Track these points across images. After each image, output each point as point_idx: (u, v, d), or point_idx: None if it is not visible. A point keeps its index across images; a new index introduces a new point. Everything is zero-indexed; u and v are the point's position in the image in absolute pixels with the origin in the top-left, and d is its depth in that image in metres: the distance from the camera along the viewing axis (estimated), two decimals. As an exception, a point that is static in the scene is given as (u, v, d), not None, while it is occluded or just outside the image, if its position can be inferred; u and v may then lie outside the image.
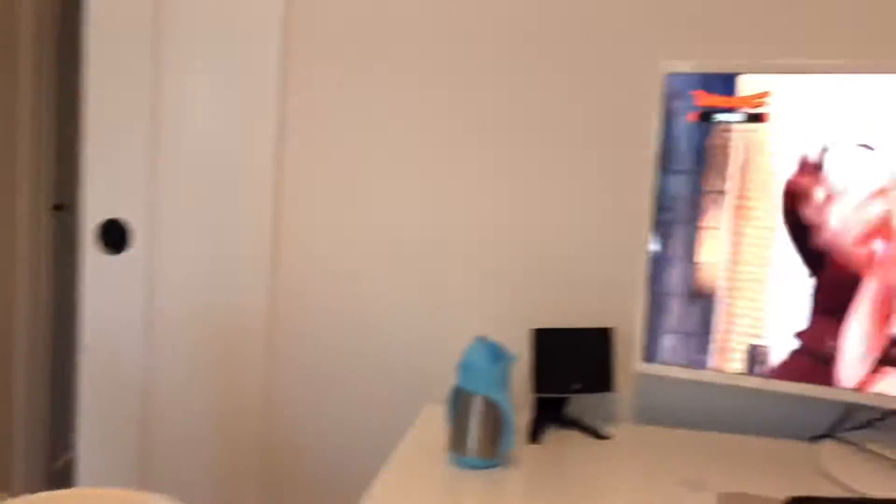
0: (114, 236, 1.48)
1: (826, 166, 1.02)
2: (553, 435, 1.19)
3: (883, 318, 1.01)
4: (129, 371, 1.48)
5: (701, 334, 1.11)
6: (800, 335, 1.06)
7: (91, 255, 1.49)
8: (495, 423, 1.06)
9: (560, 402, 1.22)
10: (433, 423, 1.21)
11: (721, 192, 1.07)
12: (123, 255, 1.48)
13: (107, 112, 1.45)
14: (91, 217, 1.49)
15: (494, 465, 1.06)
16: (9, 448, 2.10)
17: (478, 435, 1.05)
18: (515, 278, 1.30)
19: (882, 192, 0.99)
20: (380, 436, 1.36)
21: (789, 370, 1.07)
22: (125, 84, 1.43)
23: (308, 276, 1.39)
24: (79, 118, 2.25)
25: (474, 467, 1.06)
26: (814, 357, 1.06)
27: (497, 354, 1.06)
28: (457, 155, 1.31)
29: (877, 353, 1.02)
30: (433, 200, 1.32)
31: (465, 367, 1.06)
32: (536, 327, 1.19)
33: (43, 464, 2.22)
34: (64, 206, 2.22)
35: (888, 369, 1.02)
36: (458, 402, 1.07)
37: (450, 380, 1.29)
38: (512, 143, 1.28)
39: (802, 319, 1.05)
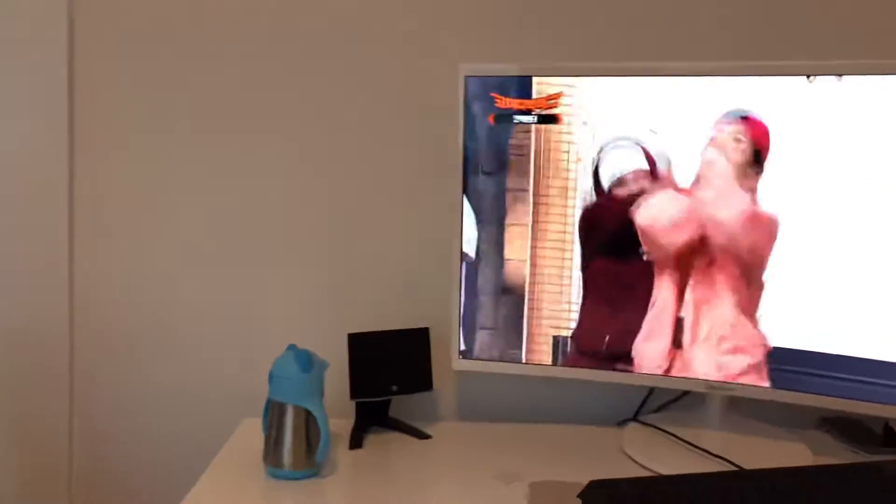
0: None
1: (607, 163, 1.08)
2: (375, 439, 1.18)
3: (674, 303, 1.10)
4: None
5: (511, 329, 1.15)
6: (593, 325, 1.12)
7: None
8: (312, 431, 1.03)
9: (383, 406, 1.22)
10: (250, 436, 1.16)
11: (524, 191, 1.11)
12: None
13: None
14: None
15: (312, 475, 1.04)
16: None
17: (293, 445, 1.03)
18: (331, 283, 1.29)
19: (658, 185, 1.07)
20: (196, 452, 1.29)
21: (589, 358, 1.13)
22: None
23: (109, 288, 1.30)
24: None
25: (291, 478, 1.03)
26: (610, 344, 1.12)
27: (308, 362, 1.03)
28: (259, 154, 1.27)
29: (668, 337, 1.11)
30: (237, 204, 1.28)
31: (275, 377, 1.03)
32: (352, 332, 1.18)
33: None
34: None
35: (678, 351, 1.10)
36: (272, 414, 1.04)
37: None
38: (321, 143, 1.26)
39: (594, 310, 1.11)
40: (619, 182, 1.08)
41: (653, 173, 1.07)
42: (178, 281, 1.30)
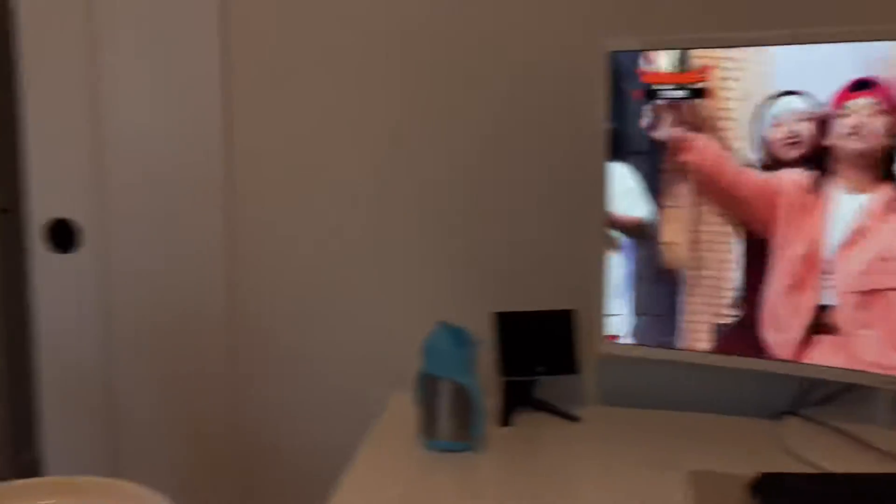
0: (63, 236, 1.44)
1: (765, 137, 1.03)
2: (522, 418, 1.18)
3: (808, 285, 1.03)
4: (89, 368, 1.44)
5: (664, 314, 1.12)
6: (742, 309, 1.07)
7: (40, 256, 1.44)
8: (464, 406, 1.05)
9: (527, 386, 1.22)
10: (401, 411, 1.19)
11: (681, 170, 1.08)
12: (74, 255, 1.43)
13: (47, 113, 1.40)
14: (37, 217, 1.44)
15: (467, 449, 1.06)
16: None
17: (447, 419, 1.04)
18: (476, 262, 1.29)
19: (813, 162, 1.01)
20: (348, 426, 1.34)
21: (736, 345, 1.09)
22: (63, 84, 1.38)
23: (264, 268, 1.36)
24: (16, 122, 2.18)
25: (446, 450, 1.05)
26: (752, 330, 1.07)
27: (461, 338, 1.05)
28: (411, 141, 1.29)
29: (805, 322, 1.04)
30: (385, 181, 1.31)
31: (429, 351, 1.05)
32: (497, 311, 1.18)
33: (4, 463, 2.15)
34: (7, 210, 2.15)
35: (820, 338, 1.04)
36: (425, 387, 1.06)
37: (416, 367, 1.27)
38: (465, 127, 1.27)
39: (746, 293, 1.07)
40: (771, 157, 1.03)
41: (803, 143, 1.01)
42: (328, 261, 1.34)
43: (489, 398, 1.19)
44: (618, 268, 1.13)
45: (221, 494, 1.43)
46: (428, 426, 1.05)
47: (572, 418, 1.18)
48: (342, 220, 1.33)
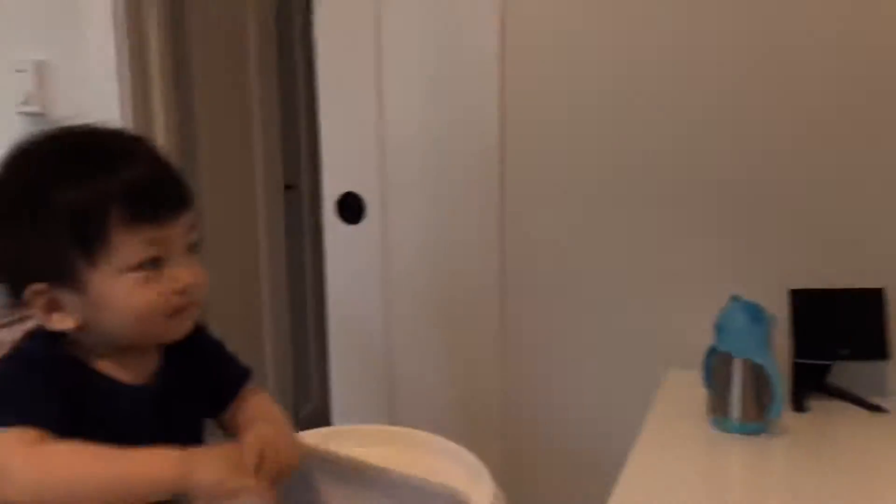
0: (349, 209, 1.58)
1: None
2: (817, 404, 1.11)
3: None
4: (371, 329, 1.57)
5: None
6: None
7: (332, 227, 1.59)
8: (758, 387, 1.00)
9: (822, 370, 1.13)
10: (681, 388, 1.17)
11: None
12: (360, 226, 1.56)
13: (338, 100, 1.53)
14: (330, 192, 1.59)
15: (760, 431, 1.01)
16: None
17: (741, 399, 1.00)
18: (769, 234, 1.21)
19: None
20: (618, 398, 1.34)
21: None
22: (352, 72, 1.50)
23: (538, 238, 1.39)
24: (296, 110, 2.43)
25: (739, 432, 1.01)
26: None
27: (758, 315, 1.00)
28: (693, 95, 1.24)
29: None
30: (665, 146, 1.27)
31: (723, 328, 1.01)
32: (794, 288, 1.10)
33: (291, 413, 2.44)
34: (293, 186, 2.41)
35: None
36: (717, 366, 1.03)
37: (695, 343, 1.24)
38: (764, 99, 1.20)
39: None
40: None
41: None
42: (602, 230, 1.34)
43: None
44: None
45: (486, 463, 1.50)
46: (718, 406, 1.02)
47: (877, 409, 1.08)
48: (619, 191, 1.32)
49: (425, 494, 0.85)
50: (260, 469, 0.75)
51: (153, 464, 0.70)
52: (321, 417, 2.58)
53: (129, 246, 0.74)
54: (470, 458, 0.90)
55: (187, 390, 0.87)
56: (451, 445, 0.94)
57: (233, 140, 2.17)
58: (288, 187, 2.38)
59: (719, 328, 1.02)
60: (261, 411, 0.89)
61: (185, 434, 0.87)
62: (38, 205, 0.74)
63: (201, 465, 0.70)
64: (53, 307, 0.77)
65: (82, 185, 0.74)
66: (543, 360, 1.42)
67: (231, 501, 0.71)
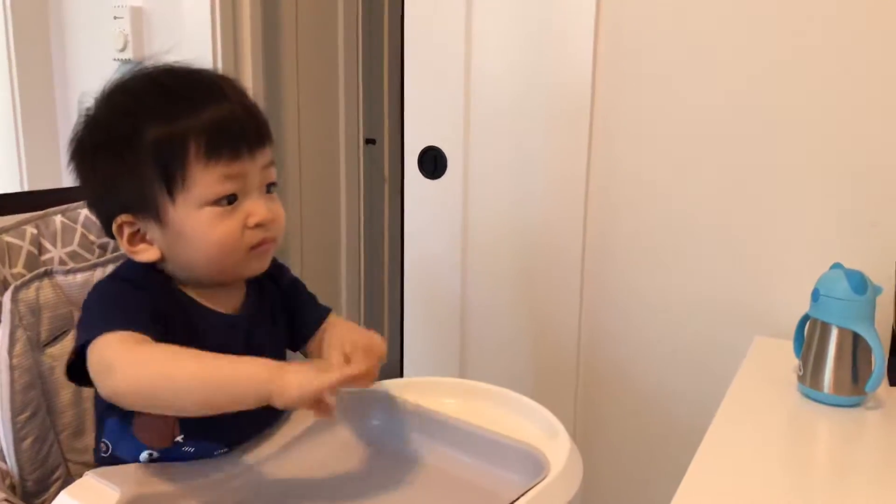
0: (431, 164, 1.57)
1: None
2: (917, 380, 1.05)
3: None
4: (447, 284, 1.57)
5: None
6: None
7: (413, 181, 1.60)
8: (855, 357, 0.95)
9: (924, 346, 1.07)
10: (769, 356, 1.13)
11: None
12: (441, 181, 1.56)
13: (424, 59, 1.52)
14: (412, 146, 1.58)
15: (855, 404, 0.97)
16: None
17: (835, 370, 0.96)
18: (877, 202, 1.15)
19: None
20: (701, 364, 1.30)
21: None
22: (439, 27, 1.48)
23: (623, 197, 1.35)
24: (381, 69, 2.44)
25: (831, 404, 0.97)
26: None
27: (862, 284, 0.95)
28: (817, 72, 1.17)
29: None
30: (764, 104, 1.20)
31: (822, 296, 0.97)
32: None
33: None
34: (373, 140, 2.42)
35: None
36: (813, 333, 0.98)
37: (785, 311, 1.19)
38: (875, 63, 1.12)
39: None
40: None
41: None
42: (689, 191, 1.29)
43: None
44: None
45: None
46: (809, 376, 0.98)
47: None
48: (715, 149, 1.26)
49: (503, 449, 0.85)
50: (347, 364, 0.76)
51: (247, 365, 0.72)
52: (391, 372, 2.64)
53: (206, 180, 0.77)
54: (546, 415, 0.90)
55: (271, 323, 0.90)
56: (528, 401, 0.93)
57: (316, 93, 2.19)
58: (368, 141, 2.40)
59: (817, 295, 0.97)
60: (340, 326, 0.92)
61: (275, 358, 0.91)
62: (130, 137, 0.77)
63: (291, 369, 0.71)
64: (139, 238, 0.81)
65: (167, 121, 0.76)
66: (623, 320, 1.39)
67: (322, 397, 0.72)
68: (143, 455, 0.81)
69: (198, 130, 0.76)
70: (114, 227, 0.81)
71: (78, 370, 0.77)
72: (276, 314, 0.91)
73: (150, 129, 0.76)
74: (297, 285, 0.96)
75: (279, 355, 0.92)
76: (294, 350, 0.94)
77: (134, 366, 0.72)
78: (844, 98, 1.16)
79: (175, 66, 0.82)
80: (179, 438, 0.81)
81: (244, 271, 0.84)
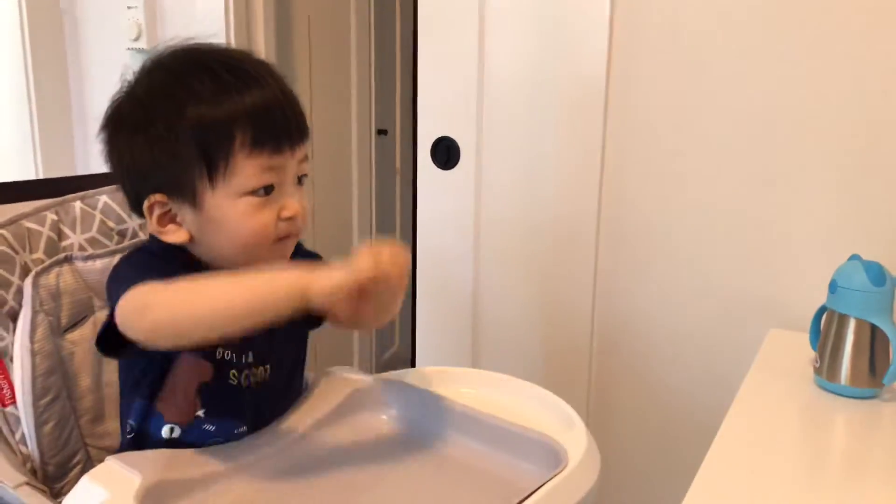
0: (443, 154, 1.57)
1: None
2: (934, 373, 1.05)
3: None
4: (459, 274, 1.57)
5: None
6: None
7: (425, 171, 1.59)
8: (872, 350, 0.95)
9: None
10: (785, 347, 1.12)
11: None
12: (453, 171, 1.56)
13: (437, 50, 1.52)
14: (425, 136, 1.58)
15: (872, 396, 0.96)
16: (349, 345, 2.40)
17: (852, 361, 0.96)
18: (893, 191, 1.14)
19: None
20: (716, 355, 1.30)
21: None
22: (453, 17, 1.47)
23: (637, 187, 1.35)
24: (393, 58, 2.44)
25: (847, 395, 0.97)
26: None
27: (880, 275, 0.94)
28: (833, 62, 1.17)
29: None
30: (776, 95, 1.20)
31: (840, 287, 0.96)
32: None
33: (373, 356, 2.52)
34: (385, 131, 2.42)
35: None
36: (829, 324, 0.98)
37: (800, 302, 1.18)
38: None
39: None
40: None
41: None
42: (704, 182, 1.29)
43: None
44: None
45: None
46: (828, 366, 0.98)
47: None
48: (731, 140, 1.25)
49: (521, 439, 0.85)
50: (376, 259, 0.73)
51: (279, 272, 0.72)
52: (403, 362, 2.65)
53: (247, 170, 0.77)
54: (563, 407, 0.90)
55: None
56: (545, 392, 0.94)
57: (328, 83, 2.19)
58: (381, 132, 2.40)
59: (835, 287, 0.97)
60: None
61: (293, 344, 0.91)
62: (173, 117, 0.76)
63: (322, 272, 0.71)
64: (169, 219, 0.80)
65: (214, 104, 0.76)
66: (637, 311, 1.39)
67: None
68: (165, 430, 0.82)
69: (244, 118, 0.75)
70: (145, 205, 0.79)
71: (107, 343, 0.76)
72: None
73: (194, 111, 0.75)
74: (315, 258, 0.96)
75: (301, 336, 0.92)
76: (320, 324, 0.93)
77: (170, 295, 0.72)
78: (862, 89, 1.15)
79: (218, 47, 0.81)
80: (200, 413, 0.82)
81: (267, 261, 0.84)
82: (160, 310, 0.71)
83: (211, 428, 0.83)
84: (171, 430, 0.82)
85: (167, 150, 0.77)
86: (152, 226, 0.81)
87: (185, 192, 0.78)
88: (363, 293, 0.73)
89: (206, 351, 0.81)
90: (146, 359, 0.80)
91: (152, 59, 0.80)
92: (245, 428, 0.85)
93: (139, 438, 0.83)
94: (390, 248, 0.74)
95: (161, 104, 0.77)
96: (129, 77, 0.80)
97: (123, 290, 0.73)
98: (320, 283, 0.69)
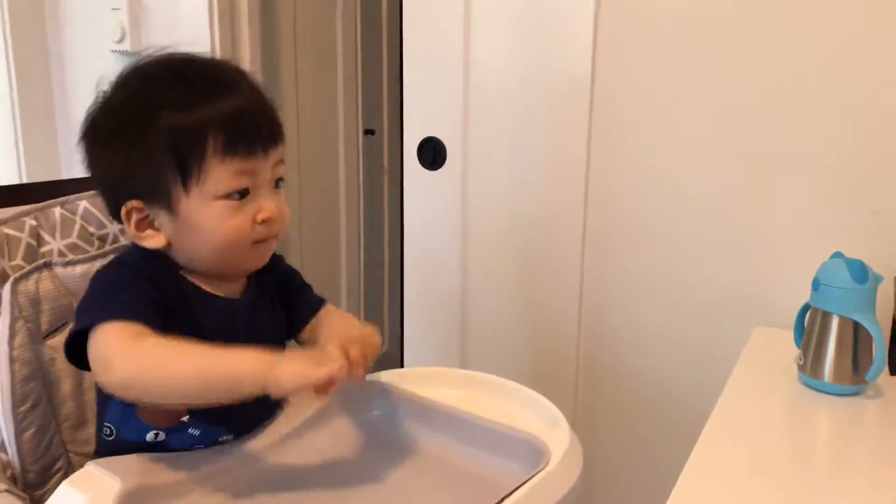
0: (430, 154, 1.57)
1: None
2: (917, 370, 1.05)
3: None
4: (447, 275, 1.57)
5: None
6: None
7: (412, 172, 1.59)
8: (856, 347, 0.95)
9: (924, 335, 1.07)
10: (769, 345, 1.13)
11: None
12: (440, 171, 1.56)
13: (422, 49, 1.51)
14: (411, 136, 1.58)
15: (855, 393, 0.97)
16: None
17: (836, 359, 0.96)
18: (876, 191, 1.15)
19: None
20: (701, 353, 1.30)
21: None
22: (438, 17, 1.47)
23: (623, 186, 1.35)
24: (380, 58, 2.43)
25: (831, 392, 0.97)
26: None
27: (862, 273, 0.95)
28: (818, 60, 1.17)
29: None
30: (759, 95, 1.20)
31: (822, 284, 0.97)
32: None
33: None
34: (372, 131, 2.42)
35: None
36: (813, 322, 0.98)
37: (784, 300, 1.19)
38: (876, 53, 1.11)
39: None
40: None
41: None
42: (688, 181, 1.29)
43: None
44: None
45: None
46: (812, 363, 0.98)
47: None
48: (714, 139, 1.25)
49: (503, 438, 0.85)
50: (344, 356, 0.76)
51: (241, 358, 0.73)
52: (392, 362, 2.65)
53: (221, 174, 0.77)
54: (547, 405, 0.90)
55: (271, 310, 0.90)
56: (528, 391, 0.94)
57: (315, 84, 2.19)
58: (367, 132, 2.40)
59: (818, 284, 0.97)
60: (336, 317, 0.93)
61: (276, 345, 0.91)
62: (146, 124, 0.77)
63: (286, 360, 0.73)
64: (147, 224, 0.81)
65: (187, 111, 0.77)
66: (623, 310, 1.39)
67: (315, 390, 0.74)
68: (150, 435, 0.81)
69: (216, 124, 0.77)
70: (122, 211, 0.80)
71: (77, 355, 0.77)
72: (275, 301, 0.92)
73: (167, 118, 0.77)
74: (292, 275, 0.96)
75: (279, 341, 0.92)
76: (290, 338, 0.94)
77: (130, 363, 0.73)
78: (846, 87, 1.15)
79: (193, 56, 0.82)
80: (185, 419, 0.82)
81: (245, 265, 0.85)
82: (120, 376, 0.73)
83: (195, 433, 0.82)
84: (157, 435, 0.82)
85: (141, 156, 0.78)
86: (131, 231, 0.81)
87: (160, 197, 0.79)
88: (327, 386, 0.74)
89: None
90: None
91: (128, 69, 0.81)
92: (231, 437, 0.85)
93: (120, 442, 0.82)
94: (360, 343, 0.78)
95: (135, 111, 0.78)
96: (105, 87, 0.81)
97: (88, 317, 0.75)
98: (286, 374, 0.71)
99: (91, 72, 1.92)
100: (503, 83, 1.43)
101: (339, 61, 2.25)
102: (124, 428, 0.82)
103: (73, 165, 1.97)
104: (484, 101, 1.46)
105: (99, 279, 0.82)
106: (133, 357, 0.73)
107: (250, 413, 0.86)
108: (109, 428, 0.83)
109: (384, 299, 2.60)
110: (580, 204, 1.40)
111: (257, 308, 0.88)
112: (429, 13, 1.49)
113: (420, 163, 1.57)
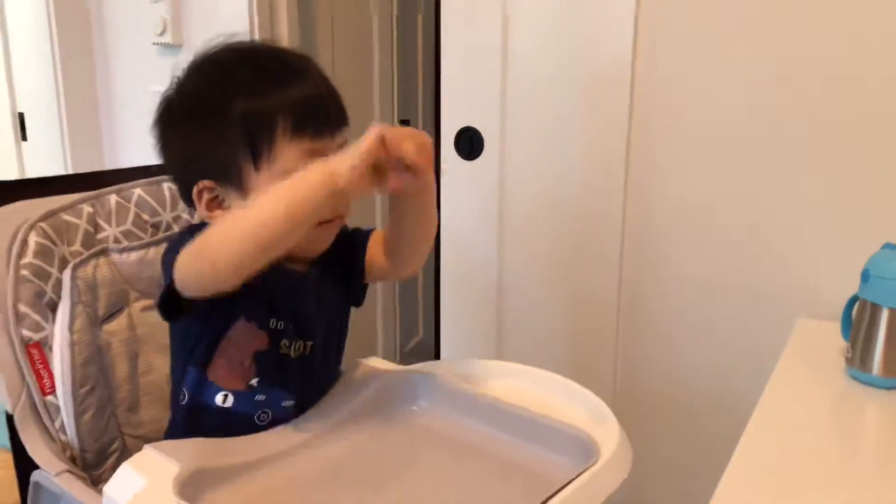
0: (467, 144, 1.57)
1: None
2: (967, 363, 1.03)
3: None
4: (484, 265, 1.58)
5: None
6: None
7: (449, 162, 1.60)
8: (906, 340, 0.94)
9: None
10: (815, 338, 1.12)
11: None
12: (477, 161, 1.56)
13: (460, 32, 1.51)
14: (448, 126, 1.58)
15: (903, 386, 0.96)
16: (373, 334, 2.42)
17: (885, 351, 0.95)
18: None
19: None
20: (744, 346, 1.30)
21: None
22: (476, 5, 1.47)
23: (664, 177, 1.34)
24: (415, 48, 2.44)
25: (879, 386, 0.96)
26: None
27: (913, 265, 0.93)
28: (864, 47, 1.15)
29: None
30: (829, 87, 1.19)
31: (873, 276, 0.95)
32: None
33: (396, 346, 2.53)
34: (407, 121, 2.43)
35: None
36: (862, 314, 0.97)
37: (829, 292, 1.17)
38: None
39: None
40: None
41: None
42: (729, 170, 1.28)
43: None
44: None
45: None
46: (858, 357, 0.97)
47: None
48: (761, 128, 1.24)
49: (553, 433, 0.85)
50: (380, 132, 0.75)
51: (305, 176, 0.75)
52: (426, 353, 2.66)
53: (290, 153, 0.81)
54: (595, 400, 0.90)
55: (333, 283, 0.93)
56: (575, 386, 0.93)
57: (351, 74, 2.20)
58: (403, 122, 2.41)
59: (868, 276, 0.96)
60: None
61: (338, 318, 0.95)
62: (220, 108, 0.81)
63: (338, 157, 0.75)
64: (216, 205, 0.84)
65: (259, 96, 0.80)
66: (663, 300, 1.38)
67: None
68: (219, 396, 0.84)
69: (286, 107, 0.80)
70: (194, 191, 0.83)
71: (167, 308, 0.80)
72: (337, 273, 0.94)
73: (240, 102, 0.80)
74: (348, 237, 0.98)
75: (344, 312, 0.96)
76: (356, 303, 0.97)
77: (220, 229, 0.76)
78: (891, 75, 1.13)
79: (262, 44, 0.88)
80: (254, 382, 0.84)
81: (312, 245, 0.87)
82: (215, 244, 0.75)
83: (262, 398, 0.85)
84: (225, 397, 0.84)
85: (215, 136, 0.81)
86: (201, 211, 0.84)
87: (231, 176, 0.82)
88: (385, 168, 0.76)
89: (261, 321, 0.84)
90: (202, 326, 0.83)
91: (201, 55, 0.85)
92: (292, 402, 0.87)
93: (193, 406, 0.85)
94: (402, 127, 0.78)
95: (210, 94, 0.82)
96: (178, 74, 0.85)
97: (172, 259, 0.78)
98: (341, 161, 0.74)
99: (133, 64, 1.95)
100: (541, 73, 1.43)
101: (376, 51, 2.26)
102: (199, 392, 0.85)
103: (117, 154, 2.02)
104: (521, 90, 1.46)
105: (173, 242, 0.84)
106: (218, 227, 0.76)
107: (310, 380, 0.89)
108: (185, 393, 0.86)
109: (419, 288, 2.61)
110: (619, 195, 1.39)
111: (323, 282, 0.90)
112: (467, 4, 1.49)
113: (457, 152, 1.57)
